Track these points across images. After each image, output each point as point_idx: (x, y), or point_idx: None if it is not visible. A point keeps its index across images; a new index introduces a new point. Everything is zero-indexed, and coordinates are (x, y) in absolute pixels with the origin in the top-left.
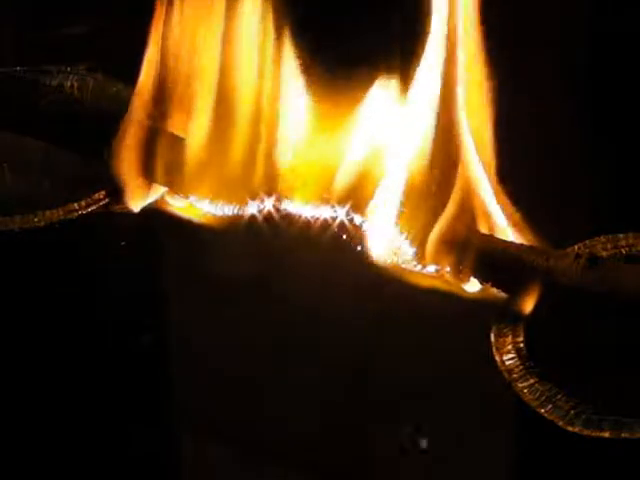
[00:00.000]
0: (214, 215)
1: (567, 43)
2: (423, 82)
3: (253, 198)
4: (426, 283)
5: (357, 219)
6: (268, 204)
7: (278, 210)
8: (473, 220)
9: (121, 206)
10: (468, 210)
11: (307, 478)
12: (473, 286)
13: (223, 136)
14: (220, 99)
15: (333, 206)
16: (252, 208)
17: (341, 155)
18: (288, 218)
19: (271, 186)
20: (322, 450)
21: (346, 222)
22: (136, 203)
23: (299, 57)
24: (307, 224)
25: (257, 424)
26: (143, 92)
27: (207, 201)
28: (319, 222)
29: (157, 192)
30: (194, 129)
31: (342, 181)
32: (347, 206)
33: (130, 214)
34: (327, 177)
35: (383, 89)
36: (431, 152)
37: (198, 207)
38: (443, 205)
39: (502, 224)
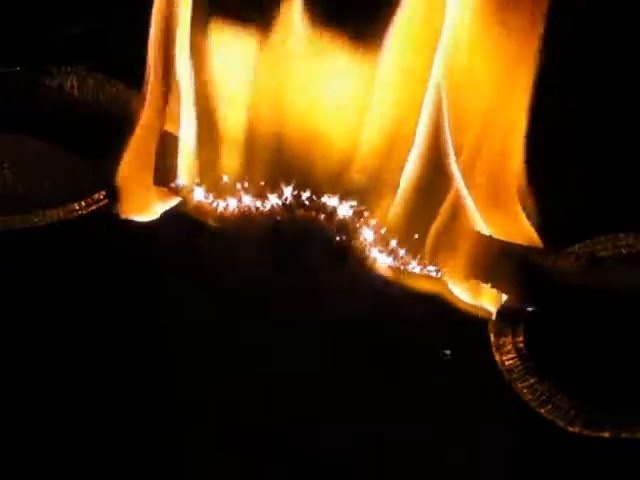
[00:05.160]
0: (217, 211)
1: (567, 40)
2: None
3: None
4: (425, 284)
5: (358, 220)
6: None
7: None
8: (472, 220)
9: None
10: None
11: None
12: (473, 286)
13: (222, 133)
14: (219, 97)
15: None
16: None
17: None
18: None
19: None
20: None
21: (348, 222)
22: (135, 204)
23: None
24: (310, 222)
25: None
26: (148, 94)
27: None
28: (321, 220)
29: (157, 193)
30: (194, 128)
31: (345, 180)
32: (349, 206)
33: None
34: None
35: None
36: (431, 153)
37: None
38: (442, 205)
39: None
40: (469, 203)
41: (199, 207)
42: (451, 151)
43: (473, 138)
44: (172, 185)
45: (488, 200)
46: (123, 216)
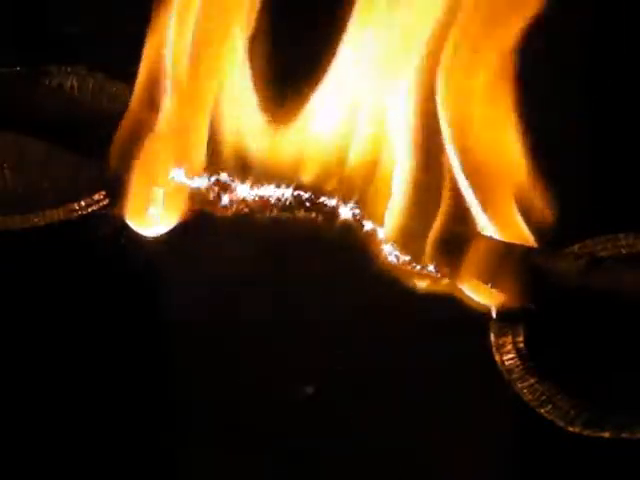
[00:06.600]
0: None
1: (566, 40)
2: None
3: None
4: (425, 284)
5: (360, 218)
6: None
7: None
8: (472, 220)
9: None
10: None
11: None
12: (473, 286)
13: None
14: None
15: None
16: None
17: (344, 151)
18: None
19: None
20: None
21: (349, 220)
22: (134, 204)
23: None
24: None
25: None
26: (141, 91)
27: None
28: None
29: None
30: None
31: (346, 177)
32: (350, 203)
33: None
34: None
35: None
36: (429, 152)
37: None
38: (441, 205)
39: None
40: (469, 204)
41: (200, 207)
42: (452, 153)
43: (468, 138)
44: (172, 184)
45: (485, 201)
46: (126, 220)
